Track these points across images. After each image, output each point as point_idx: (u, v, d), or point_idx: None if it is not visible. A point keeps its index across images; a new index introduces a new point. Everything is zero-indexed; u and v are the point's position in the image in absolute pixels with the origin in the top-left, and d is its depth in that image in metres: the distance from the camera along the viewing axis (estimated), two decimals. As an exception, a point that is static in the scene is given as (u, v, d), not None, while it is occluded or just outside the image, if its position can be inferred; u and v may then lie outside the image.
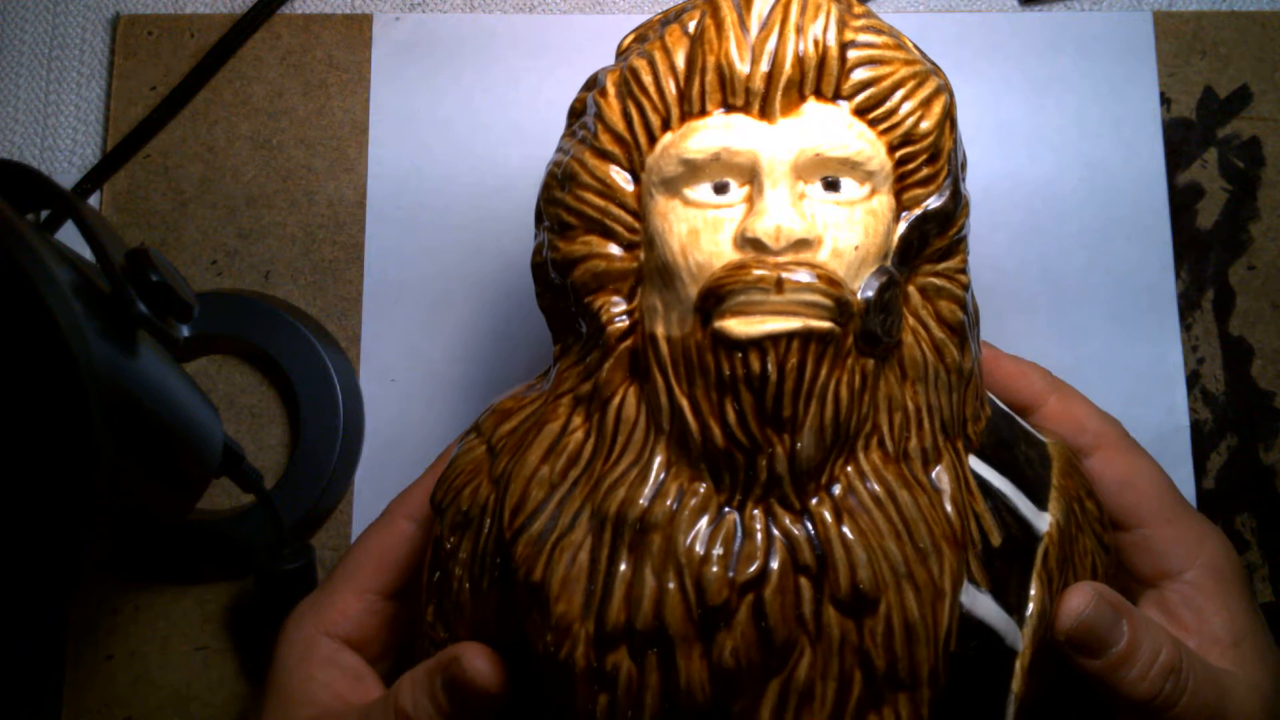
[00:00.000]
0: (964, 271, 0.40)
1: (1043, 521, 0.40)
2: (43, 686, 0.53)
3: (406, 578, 0.44)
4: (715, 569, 0.35)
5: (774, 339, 0.35)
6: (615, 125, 0.39)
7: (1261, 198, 0.55)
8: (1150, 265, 0.55)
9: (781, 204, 0.36)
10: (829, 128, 0.37)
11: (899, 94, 0.38)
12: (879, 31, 0.39)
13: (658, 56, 0.38)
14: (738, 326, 0.35)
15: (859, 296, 0.36)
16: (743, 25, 0.38)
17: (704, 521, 0.36)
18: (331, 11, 0.58)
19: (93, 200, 0.57)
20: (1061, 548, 0.40)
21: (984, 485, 0.39)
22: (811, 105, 0.38)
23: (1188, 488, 0.53)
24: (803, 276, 0.35)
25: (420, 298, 0.55)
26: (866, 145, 0.37)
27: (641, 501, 0.36)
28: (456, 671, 0.38)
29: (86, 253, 0.38)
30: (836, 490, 0.36)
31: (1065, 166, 0.56)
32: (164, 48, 0.57)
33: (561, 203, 0.39)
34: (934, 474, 0.38)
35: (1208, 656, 0.40)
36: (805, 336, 0.35)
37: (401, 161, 0.56)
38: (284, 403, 0.55)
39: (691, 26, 0.38)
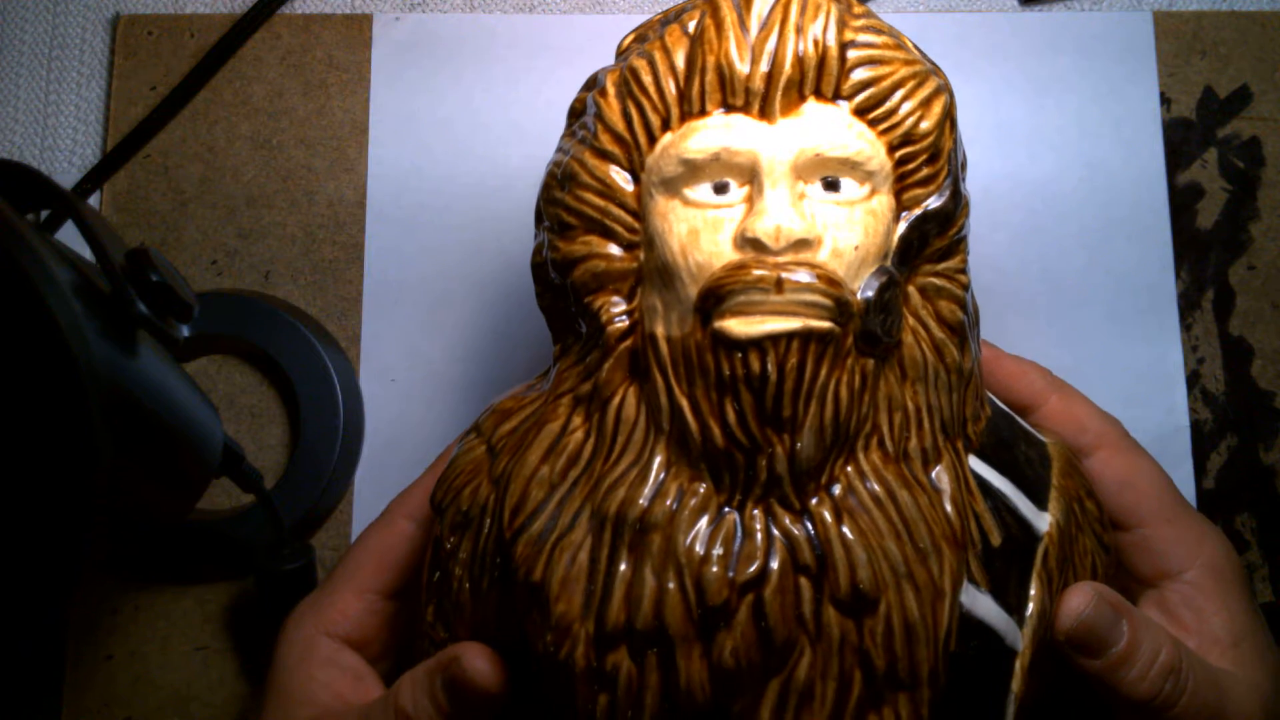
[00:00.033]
0: (964, 271, 0.40)
1: (1043, 521, 0.40)
2: (43, 686, 0.53)
3: (406, 577, 0.44)
4: (715, 569, 0.35)
5: (774, 339, 0.35)
6: (615, 125, 0.39)
7: (1261, 198, 0.55)
8: (1150, 265, 0.55)
9: (781, 204, 0.36)
10: (829, 128, 0.37)
11: (899, 94, 0.38)
12: (879, 31, 0.39)
13: (658, 56, 0.38)
14: (738, 326, 0.35)
15: (859, 296, 0.36)
16: (743, 25, 0.38)
17: (704, 521, 0.36)
18: (331, 11, 0.58)
19: (93, 200, 0.57)
20: (1061, 548, 0.40)
21: (984, 485, 0.39)
22: (811, 105, 0.38)
23: (1188, 488, 0.53)
24: (803, 276, 0.35)
25: (420, 298, 0.55)
26: (866, 145, 0.37)
27: (641, 501, 0.36)
28: (456, 671, 0.38)
29: (86, 253, 0.38)
30: (836, 490, 0.36)
31: (1065, 166, 0.56)
32: (164, 48, 0.57)
33: (561, 203, 0.39)
34: (934, 474, 0.38)
35: (1207, 657, 0.40)
36: (805, 336, 0.35)
37: (401, 161, 0.56)
38: (284, 403, 0.55)
39: (691, 26, 0.38)
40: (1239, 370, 0.54)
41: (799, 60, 0.37)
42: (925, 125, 0.38)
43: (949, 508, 0.37)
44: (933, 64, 0.40)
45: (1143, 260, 0.55)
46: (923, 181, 0.38)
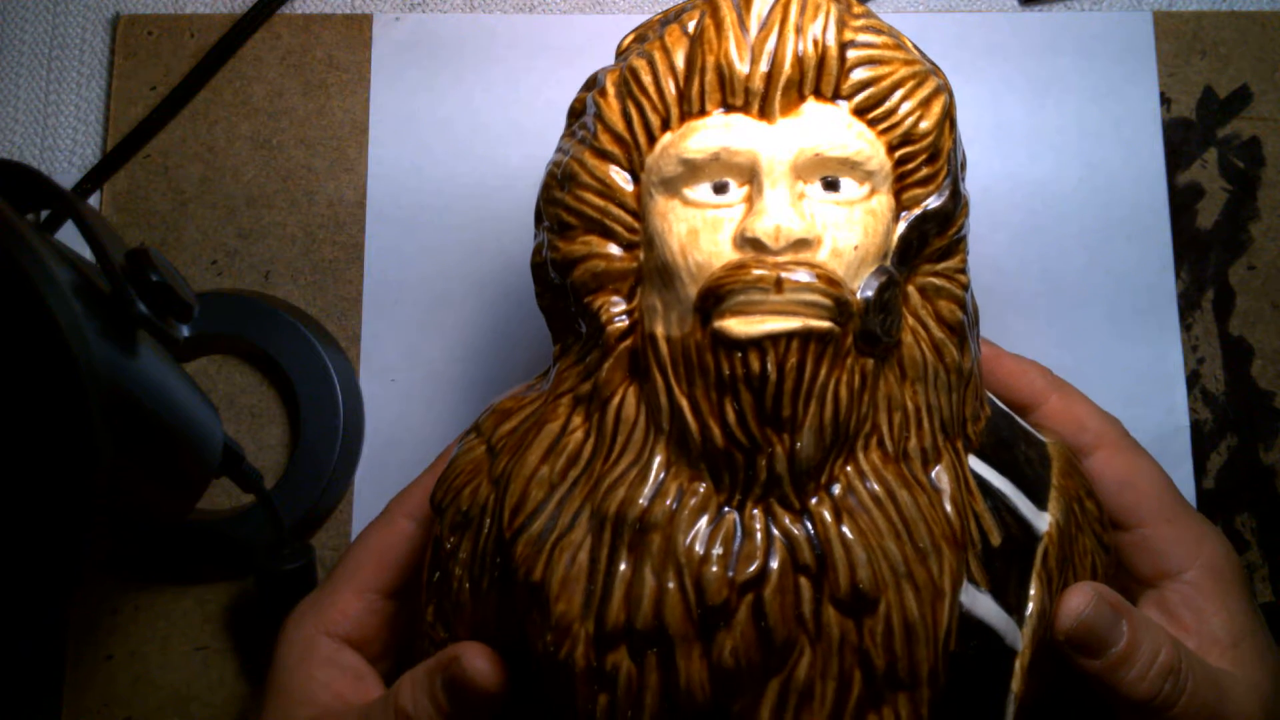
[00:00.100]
0: (964, 271, 0.40)
1: (1042, 521, 0.40)
2: (43, 686, 0.53)
3: (407, 576, 0.44)
4: (715, 569, 0.35)
5: (773, 339, 0.35)
6: (615, 125, 0.39)
7: (1261, 198, 0.55)
8: (1150, 265, 0.55)
9: (781, 204, 0.36)
10: (828, 128, 0.37)
11: (898, 94, 0.38)
12: (878, 31, 0.39)
13: (657, 56, 0.38)
14: (737, 326, 0.35)
15: (858, 296, 0.36)
16: (742, 25, 0.38)
17: (703, 521, 0.36)
18: (331, 11, 0.58)
19: (93, 200, 0.57)
20: (1061, 547, 0.40)
21: (984, 485, 0.39)
22: (811, 105, 0.38)
23: (1188, 488, 0.53)
24: (802, 276, 0.35)
25: (420, 298, 0.55)
26: (866, 145, 0.37)
27: (641, 501, 0.36)
28: (456, 671, 0.38)
29: (86, 253, 0.38)
30: (836, 490, 0.36)
31: (1065, 166, 0.56)
32: (164, 48, 0.57)
33: (561, 203, 0.39)
34: (934, 474, 0.38)
35: (1207, 657, 0.40)
36: (805, 336, 0.35)
37: (401, 161, 0.56)
38: (284, 403, 0.55)
39: (691, 26, 0.38)
40: (1239, 370, 0.54)
41: (799, 60, 0.37)
42: (925, 125, 0.38)
43: (949, 507, 0.37)
44: (932, 64, 0.40)
45: (1143, 260, 0.55)
46: (922, 181, 0.38)
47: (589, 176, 0.39)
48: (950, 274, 0.39)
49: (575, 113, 0.41)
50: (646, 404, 0.37)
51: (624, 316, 0.38)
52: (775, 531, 0.36)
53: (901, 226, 0.38)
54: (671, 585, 0.35)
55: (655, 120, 0.38)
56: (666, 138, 0.38)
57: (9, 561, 0.32)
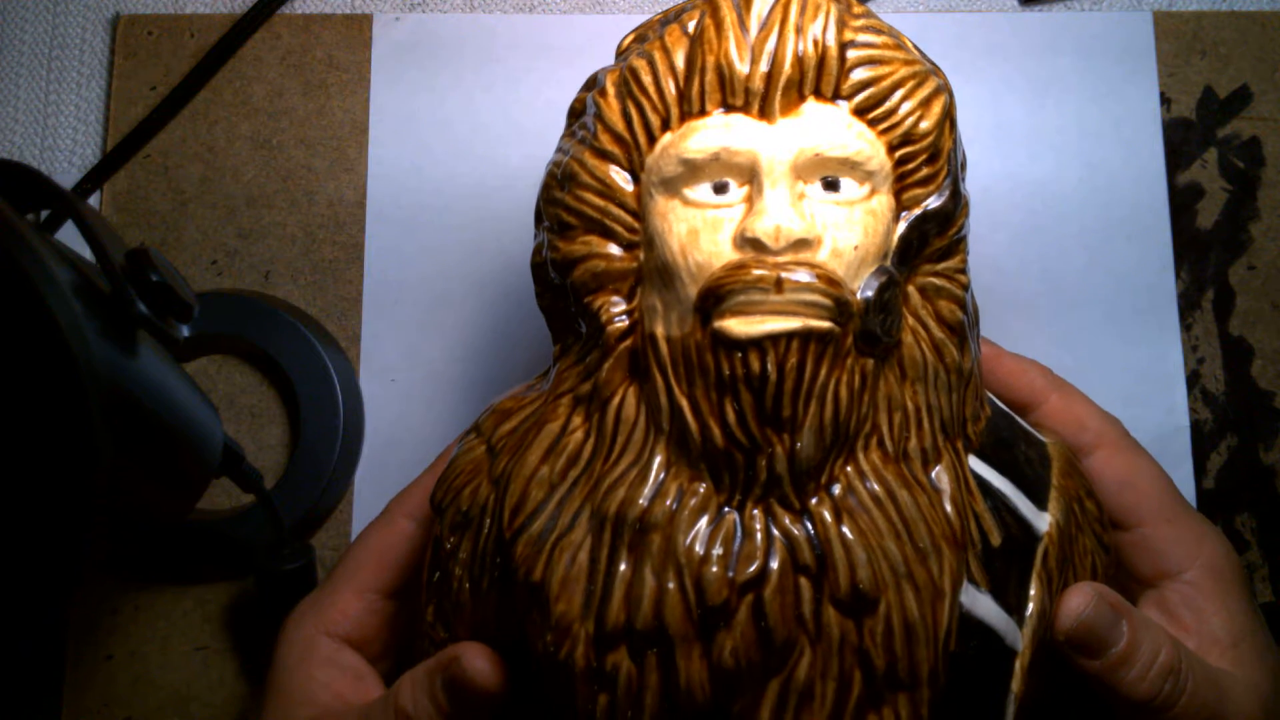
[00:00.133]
0: (964, 271, 0.40)
1: (1042, 521, 0.40)
2: (43, 686, 0.53)
3: (407, 576, 0.44)
4: (715, 569, 0.35)
5: (773, 339, 0.35)
6: (615, 125, 0.39)
7: (1261, 198, 0.55)
8: (1150, 265, 0.55)
9: (781, 204, 0.36)
10: (828, 128, 0.37)
11: (899, 94, 0.38)
12: (879, 31, 0.39)
13: (657, 56, 0.38)
14: (737, 326, 0.35)
15: (858, 296, 0.36)
16: (742, 25, 0.38)
17: (704, 521, 0.36)
18: (331, 11, 0.58)
19: (93, 200, 0.57)
20: (1061, 548, 0.40)
21: (984, 485, 0.39)
22: (811, 105, 0.38)
23: (1188, 488, 0.53)
24: (802, 276, 0.35)
25: (420, 298, 0.55)
26: (866, 145, 0.37)
27: (641, 501, 0.36)
28: (456, 671, 0.38)
29: (86, 253, 0.38)
30: (836, 490, 0.36)
31: (1065, 166, 0.56)
32: (164, 48, 0.57)
33: (561, 203, 0.39)
34: (934, 474, 0.38)
35: (1207, 657, 0.40)
36: (805, 336, 0.35)
37: (401, 161, 0.56)
38: (284, 403, 0.55)
39: (691, 26, 0.38)
40: (1239, 370, 0.54)
41: (799, 60, 0.37)
42: (925, 125, 0.38)
43: (949, 508, 0.37)
44: (932, 64, 0.40)
45: (1143, 260, 0.55)
46: (922, 181, 0.38)
47: (589, 176, 0.39)
48: (950, 274, 0.39)
49: (575, 113, 0.41)
50: (646, 404, 0.37)
51: (624, 316, 0.38)
52: (775, 532, 0.36)
53: (902, 226, 0.38)
54: (671, 585, 0.35)
55: (655, 120, 0.38)
56: (666, 138, 0.38)
57: (9, 561, 0.32)
